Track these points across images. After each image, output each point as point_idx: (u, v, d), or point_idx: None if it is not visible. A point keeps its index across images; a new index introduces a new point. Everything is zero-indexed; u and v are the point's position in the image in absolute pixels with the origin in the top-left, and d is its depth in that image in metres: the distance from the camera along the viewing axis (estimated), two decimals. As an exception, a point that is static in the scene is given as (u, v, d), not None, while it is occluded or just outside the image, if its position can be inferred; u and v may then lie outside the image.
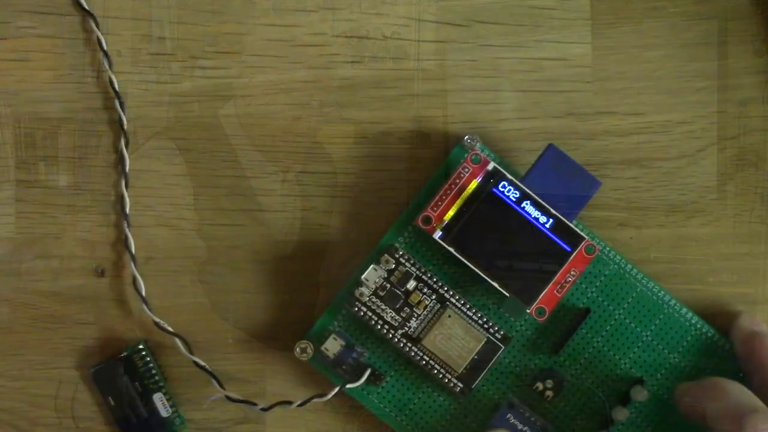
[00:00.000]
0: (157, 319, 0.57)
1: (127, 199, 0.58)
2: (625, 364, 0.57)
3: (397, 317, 0.56)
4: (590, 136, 0.59)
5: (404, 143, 0.59)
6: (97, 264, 0.58)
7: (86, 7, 0.58)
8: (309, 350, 0.56)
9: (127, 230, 0.58)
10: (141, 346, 0.57)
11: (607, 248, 0.57)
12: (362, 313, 0.56)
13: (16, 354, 0.58)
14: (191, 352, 0.57)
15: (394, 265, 0.56)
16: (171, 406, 0.58)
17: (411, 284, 0.56)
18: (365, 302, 0.56)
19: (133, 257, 0.58)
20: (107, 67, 0.58)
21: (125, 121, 0.58)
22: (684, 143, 0.59)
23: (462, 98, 0.59)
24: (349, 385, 0.56)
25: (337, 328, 0.57)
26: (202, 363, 0.57)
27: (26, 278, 0.58)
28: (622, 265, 0.57)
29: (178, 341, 0.57)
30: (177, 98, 0.58)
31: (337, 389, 0.56)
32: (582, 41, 0.59)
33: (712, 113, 0.59)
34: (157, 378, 0.57)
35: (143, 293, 0.57)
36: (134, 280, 0.58)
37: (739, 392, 0.52)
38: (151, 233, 0.58)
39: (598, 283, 0.57)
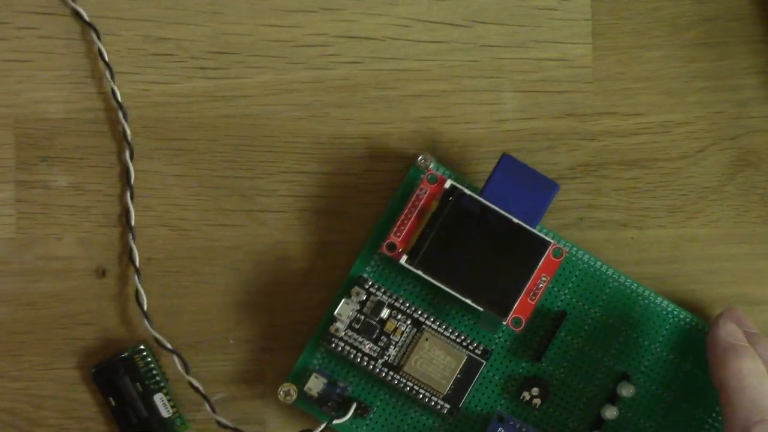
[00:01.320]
0: (158, 335, 0.57)
1: (131, 205, 0.58)
2: (608, 360, 0.57)
3: (375, 347, 0.56)
4: (590, 136, 0.59)
5: (404, 144, 0.59)
6: (98, 265, 0.58)
7: (87, 19, 0.58)
8: (292, 392, 0.56)
9: (131, 241, 0.58)
10: (142, 347, 0.57)
11: (575, 248, 0.57)
12: (340, 348, 0.55)
13: (16, 354, 0.58)
14: (188, 372, 0.57)
15: (365, 296, 0.56)
16: (172, 407, 0.57)
17: (385, 313, 0.56)
18: (342, 337, 0.55)
19: (137, 270, 0.57)
20: (109, 78, 0.58)
21: (129, 133, 0.58)
22: (684, 144, 0.59)
23: (462, 99, 0.59)
24: (336, 421, 0.56)
25: (317, 366, 0.57)
26: (197, 384, 0.57)
27: (27, 279, 0.58)
28: (592, 263, 0.57)
29: (176, 359, 0.57)
30: (177, 99, 0.58)
31: (323, 426, 0.56)
32: (582, 42, 0.59)
33: (713, 114, 0.59)
34: (158, 378, 0.57)
35: (145, 308, 0.57)
36: (137, 293, 0.57)
37: (753, 389, 0.52)
38: (152, 234, 0.58)
39: (570, 285, 0.57)
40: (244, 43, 0.59)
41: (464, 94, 0.59)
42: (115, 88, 0.58)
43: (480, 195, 0.55)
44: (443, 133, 0.59)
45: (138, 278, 0.58)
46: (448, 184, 0.55)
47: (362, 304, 0.55)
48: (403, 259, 0.55)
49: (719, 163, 0.59)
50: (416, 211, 0.55)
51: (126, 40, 0.58)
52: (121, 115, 0.58)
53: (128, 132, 0.58)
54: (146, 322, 0.57)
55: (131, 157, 0.58)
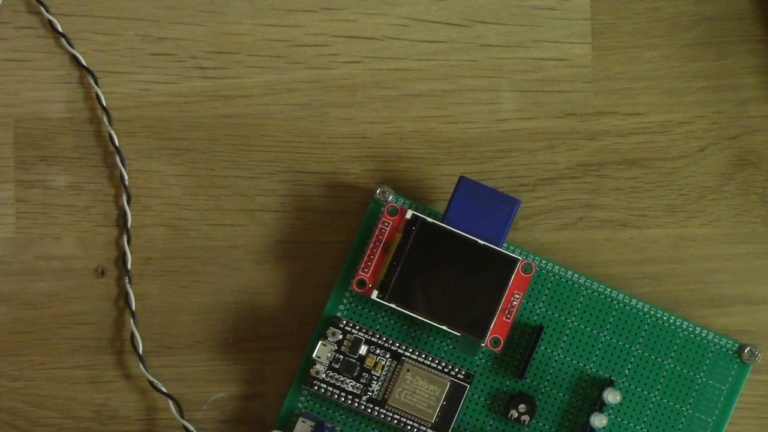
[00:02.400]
0: (152, 378, 0.57)
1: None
2: (591, 368, 0.57)
3: (358, 385, 0.55)
4: (590, 136, 0.59)
5: (404, 143, 0.59)
6: (98, 264, 0.58)
7: (84, 63, 0.58)
8: None
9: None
10: None
11: (544, 261, 0.57)
12: (323, 390, 0.55)
13: (16, 354, 0.58)
14: (182, 415, 0.57)
15: (341, 336, 0.55)
16: None
17: (363, 349, 0.56)
18: (323, 379, 0.55)
19: (133, 315, 0.57)
20: (107, 123, 0.58)
21: (115, 137, 0.58)
22: (684, 143, 0.59)
23: (462, 98, 0.59)
24: None
25: (303, 410, 0.57)
26: (192, 428, 0.57)
27: (26, 278, 0.58)
28: (563, 274, 0.57)
29: (171, 403, 0.57)
30: (177, 98, 0.58)
31: None
32: (582, 41, 0.59)
33: (712, 113, 0.59)
34: None
35: (140, 351, 0.57)
36: (132, 336, 0.57)
37: None
38: (151, 233, 0.58)
39: (543, 298, 0.57)
40: (243, 42, 0.59)
41: (463, 93, 0.59)
42: (116, 143, 0.58)
43: (442, 220, 0.55)
44: (442, 132, 0.59)
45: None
46: (409, 214, 0.55)
47: (339, 343, 0.55)
48: (374, 294, 0.55)
49: (719, 163, 0.59)
50: (381, 245, 0.55)
51: (126, 39, 0.59)
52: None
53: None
54: (141, 366, 0.57)
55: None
